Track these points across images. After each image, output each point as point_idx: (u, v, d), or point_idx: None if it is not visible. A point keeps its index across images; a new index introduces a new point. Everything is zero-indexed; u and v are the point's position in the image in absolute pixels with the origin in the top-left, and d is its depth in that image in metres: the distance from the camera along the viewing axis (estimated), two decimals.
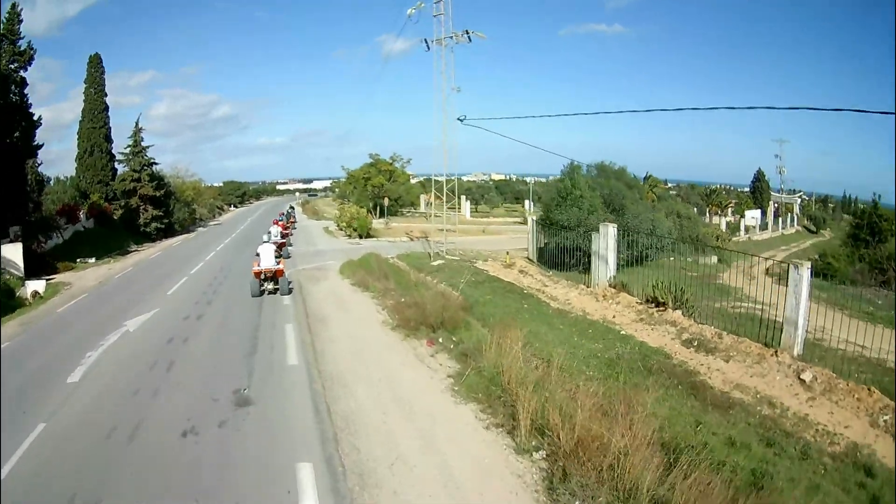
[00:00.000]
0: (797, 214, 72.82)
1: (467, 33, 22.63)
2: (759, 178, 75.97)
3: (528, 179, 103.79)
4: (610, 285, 15.08)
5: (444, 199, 24.78)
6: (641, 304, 13.45)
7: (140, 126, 37.68)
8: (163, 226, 36.31)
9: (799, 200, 79.38)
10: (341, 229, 35.19)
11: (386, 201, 51.18)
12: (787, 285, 10.23)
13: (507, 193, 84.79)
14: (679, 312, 12.31)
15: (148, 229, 35.51)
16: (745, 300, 14.80)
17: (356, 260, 20.58)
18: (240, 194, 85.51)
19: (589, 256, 16.48)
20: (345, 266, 19.88)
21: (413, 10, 23.13)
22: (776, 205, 71.86)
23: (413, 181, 63.41)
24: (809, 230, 68.59)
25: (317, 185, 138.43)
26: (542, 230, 21.45)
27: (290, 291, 15.77)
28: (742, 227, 56.25)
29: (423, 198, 61.41)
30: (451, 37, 22.65)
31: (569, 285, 16.40)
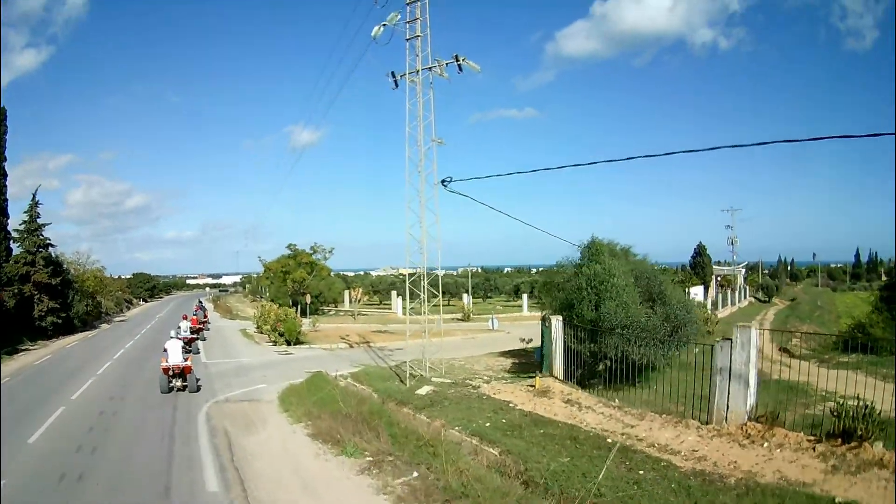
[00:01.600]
0: (742, 286, 70.68)
1: (457, 61, 17.07)
2: (699, 252, 72.45)
3: (505, 269, 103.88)
4: (753, 418, 10.44)
5: (424, 295, 18.49)
6: (813, 440, 9.14)
7: (37, 200, 34.11)
8: (60, 320, 31.85)
9: (743, 271, 77.29)
10: (263, 333, 32.23)
11: (308, 298, 48.81)
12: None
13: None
14: (880, 446, 8.41)
15: (43, 323, 30.99)
16: (823, 397, 11.70)
17: (301, 384, 17.49)
18: (149, 287, 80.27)
19: (641, 366, 13.68)
20: (287, 395, 16.00)
21: (380, 29, 17.11)
22: (718, 277, 70.35)
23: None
24: (759, 300, 69.28)
25: (226, 279, 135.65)
26: (567, 334, 15.72)
27: (198, 389, 16.37)
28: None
29: (347, 294, 59.46)
30: (432, 67, 17.23)
31: (668, 422, 11.26)
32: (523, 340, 24.48)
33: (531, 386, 15.28)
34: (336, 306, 57.02)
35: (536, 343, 20.75)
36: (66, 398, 15.82)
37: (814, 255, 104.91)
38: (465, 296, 61.00)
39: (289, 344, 28.70)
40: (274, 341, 29.07)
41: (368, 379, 18.84)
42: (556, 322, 16.16)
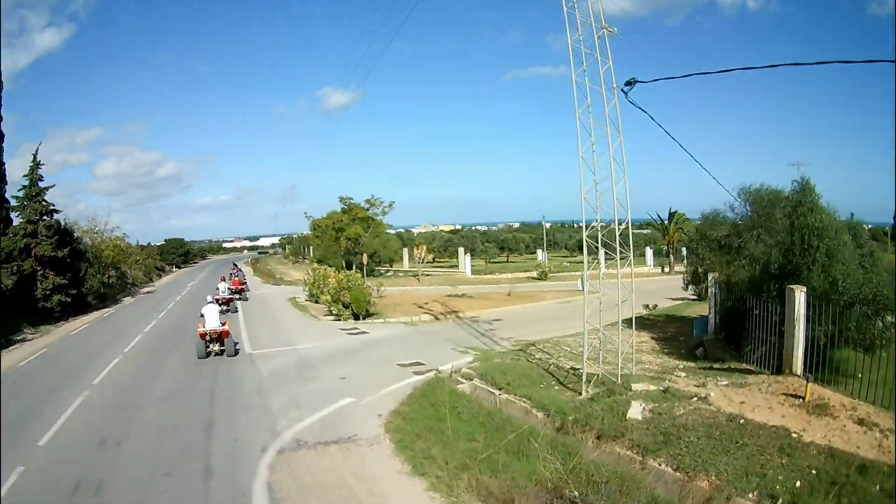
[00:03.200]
0: None
1: None
2: None
3: (479, 228, 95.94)
4: None
5: (600, 247, 10.95)
6: None
7: (38, 160, 27.69)
8: (69, 299, 25.68)
9: None
10: (318, 302, 25.60)
11: (364, 258, 42.08)
12: None
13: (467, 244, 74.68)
14: None
15: (48, 304, 24.89)
16: None
17: (412, 399, 11.02)
18: (182, 253, 74.24)
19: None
20: (398, 424, 9.61)
21: None
22: None
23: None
24: None
25: (264, 241, 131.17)
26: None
27: (236, 353, 15.67)
28: None
29: (406, 252, 52.44)
30: None
31: None
32: (647, 307, 22.07)
33: (791, 395, 8.92)
34: (391, 266, 50.08)
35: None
36: (28, 448, 8.98)
37: (852, 214, 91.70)
38: (539, 252, 53.33)
39: (356, 318, 21.70)
40: (337, 314, 22.08)
41: (509, 380, 11.73)
42: (800, 295, 9.93)
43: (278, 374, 13.61)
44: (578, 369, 11.36)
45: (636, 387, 10.30)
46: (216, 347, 15.43)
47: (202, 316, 15.54)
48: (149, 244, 63.17)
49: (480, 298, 28.56)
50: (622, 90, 10.49)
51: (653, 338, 16.05)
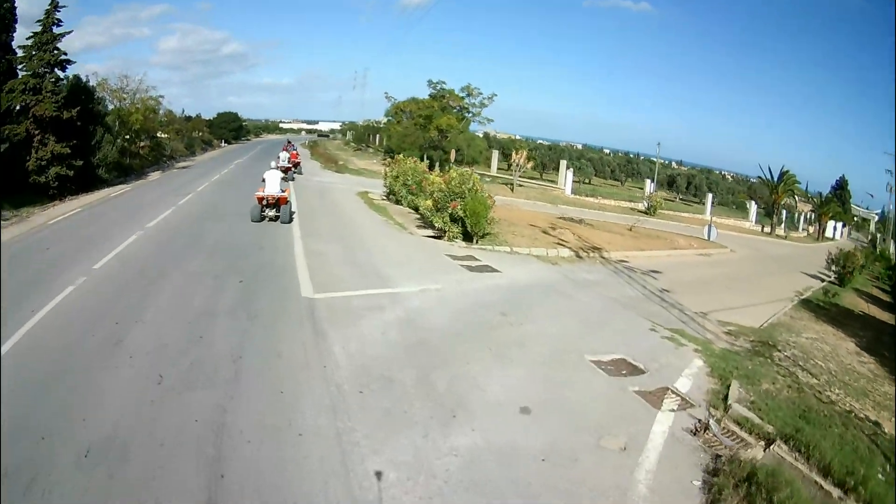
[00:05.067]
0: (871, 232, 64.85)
1: None
2: (841, 185, 69.50)
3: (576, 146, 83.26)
4: None
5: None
6: None
7: (57, 1, 20.02)
8: (70, 171, 19.06)
9: (875, 218, 71.21)
10: (400, 203, 18.68)
11: (453, 156, 34.06)
12: None
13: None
14: None
15: (43, 177, 18.46)
16: None
17: None
18: (234, 128, 66.38)
19: None
20: None
21: None
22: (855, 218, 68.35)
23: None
24: None
25: (323, 126, 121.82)
26: None
27: (290, 220, 14.90)
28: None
29: (496, 155, 43.74)
30: None
31: None
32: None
33: None
34: (470, 167, 41.78)
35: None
36: None
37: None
38: (647, 182, 43.42)
39: (468, 239, 14.12)
40: (439, 231, 14.52)
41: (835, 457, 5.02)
42: None
43: (377, 380, 6.24)
44: None
45: None
46: (271, 213, 14.93)
47: (263, 181, 15.22)
48: (198, 115, 56.48)
49: (602, 230, 21.22)
50: None
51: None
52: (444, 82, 38.24)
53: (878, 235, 59.81)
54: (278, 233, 13.59)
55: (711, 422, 5.93)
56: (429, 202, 14.55)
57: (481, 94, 38.18)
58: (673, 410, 6.19)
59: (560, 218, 22.74)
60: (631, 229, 22.67)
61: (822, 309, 14.01)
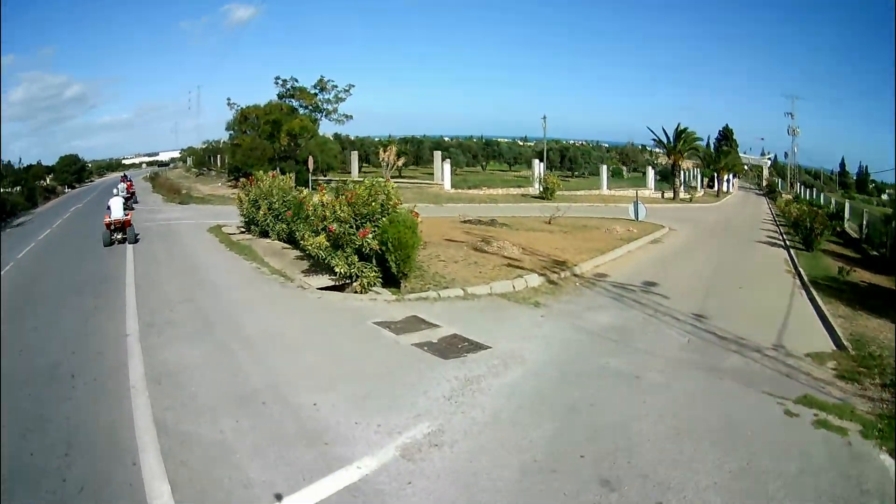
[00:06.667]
0: (767, 178, 65.75)
1: None
2: (725, 135, 67.04)
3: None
4: None
5: None
6: None
7: None
8: None
9: (768, 163, 72.29)
10: (273, 238, 14.76)
11: (310, 163, 29.64)
12: None
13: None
14: None
15: None
16: None
17: None
18: (75, 171, 60.95)
19: None
20: None
21: None
22: (746, 167, 66.06)
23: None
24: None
25: (163, 156, 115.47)
26: None
27: (136, 240, 15.55)
28: None
29: (355, 157, 39.52)
30: None
31: None
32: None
33: None
34: (325, 175, 36.76)
35: None
36: None
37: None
38: (535, 162, 41.60)
39: (392, 285, 9.72)
40: (346, 275, 9.82)
41: None
42: None
43: None
44: None
45: None
46: (119, 236, 15.69)
47: (109, 208, 16.11)
48: (38, 163, 54.01)
49: (526, 230, 18.04)
50: None
51: None
52: (295, 79, 33.15)
53: (777, 180, 61.14)
54: (102, 338, 7.74)
55: None
56: (321, 238, 9.73)
57: (336, 86, 33.56)
58: None
59: (465, 222, 19.27)
60: (549, 222, 19.91)
61: (841, 291, 11.28)
